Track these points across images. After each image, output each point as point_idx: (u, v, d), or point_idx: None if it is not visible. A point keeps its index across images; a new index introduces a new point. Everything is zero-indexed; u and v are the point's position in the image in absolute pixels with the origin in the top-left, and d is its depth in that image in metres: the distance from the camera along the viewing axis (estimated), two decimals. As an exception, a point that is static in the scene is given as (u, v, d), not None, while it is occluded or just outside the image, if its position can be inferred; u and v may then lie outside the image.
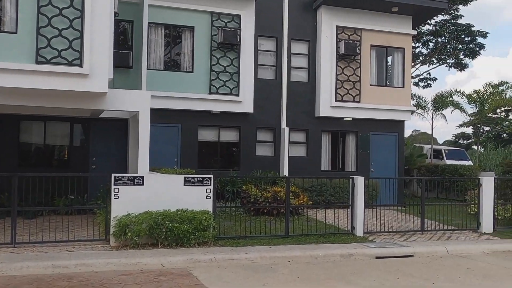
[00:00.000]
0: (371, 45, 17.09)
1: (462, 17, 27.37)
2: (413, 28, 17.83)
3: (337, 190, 15.78)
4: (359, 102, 16.81)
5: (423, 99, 23.30)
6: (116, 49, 13.92)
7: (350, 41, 16.53)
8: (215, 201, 10.64)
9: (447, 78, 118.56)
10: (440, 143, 58.90)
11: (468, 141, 55.24)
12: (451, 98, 21.90)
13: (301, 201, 14.13)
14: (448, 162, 24.81)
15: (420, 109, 23.01)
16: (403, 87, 17.50)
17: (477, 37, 27.97)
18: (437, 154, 26.83)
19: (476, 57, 29.03)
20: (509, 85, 20.19)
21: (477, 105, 20.75)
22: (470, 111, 22.63)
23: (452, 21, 27.78)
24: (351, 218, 11.90)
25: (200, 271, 8.39)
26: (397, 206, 16.48)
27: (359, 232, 11.65)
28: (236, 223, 11.67)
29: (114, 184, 9.80)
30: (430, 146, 25.05)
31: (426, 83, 30.61)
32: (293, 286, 7.70)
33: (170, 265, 8.65)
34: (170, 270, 8.42)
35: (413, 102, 23.52)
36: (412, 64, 29.54)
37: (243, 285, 7.67)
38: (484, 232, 12.70)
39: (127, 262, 8.58)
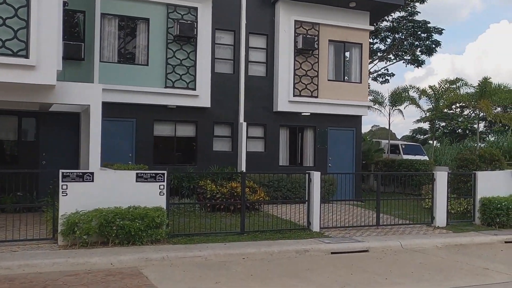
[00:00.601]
0: (329, 40, 17.09)
1: (419, 13, 27.83)
2: (371, 24, 17.94)
3: (294, 185, 15.74)
4: (317, 97, 16.79)
5: (381, 94, 23.55)
6: (67, 40, 13.45)
7: (308, 36, 16.47)
8: (168, 197, 10.37)
9: (406, 75, 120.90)
10: (399, 138, 60.01)
11: (424, 136, 56.44)
12: (407, 94, 22.20)
13: (259, 197, 14.00)
14: (405, 157, 25.16)
15: (377, 105, 23.25)
16: (361, 82, 17.59)
17: (433, 34, 28.49)
18: (394, 149, 27.19)
19: (432, 54, 29.61)
20: (463, 82, 20.63)
21: (432, 101, 21.11)
22: (426, 107, 22.90)
23: (409, 17, 28.18)
24: (307, 214, 11.84)
25: (151, 270, 8.14)
26: (355, 201, 16.59)
27: (315, 227, 11.61)
28: (191, 220, 11.44)
29: (62, 181, 9.41)
30: (387, 141, 25.36)
31: (384, 79, 31.02)
32: (246, 284, 7.55)
33: (120, 265, 8.36)
34: (120, 269, 8.13)
35: (371, 97, 23.73)
36: (370, 60, 29.88)
37: (194, 284, 7.46)
38: (438, 226, 12.88)
39: (74, 262, 8.24)
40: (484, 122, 52.18)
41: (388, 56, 30.92)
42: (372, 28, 18.00)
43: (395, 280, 7.91)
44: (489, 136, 47.99)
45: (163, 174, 10.25)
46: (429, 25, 28.30)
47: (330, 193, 16.31)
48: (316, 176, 11.78)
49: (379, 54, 30.33)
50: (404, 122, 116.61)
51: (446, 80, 21.10)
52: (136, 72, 14.78)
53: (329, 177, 16.30)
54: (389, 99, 22.99)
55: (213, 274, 8.00)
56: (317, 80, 16.78)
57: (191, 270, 8.24)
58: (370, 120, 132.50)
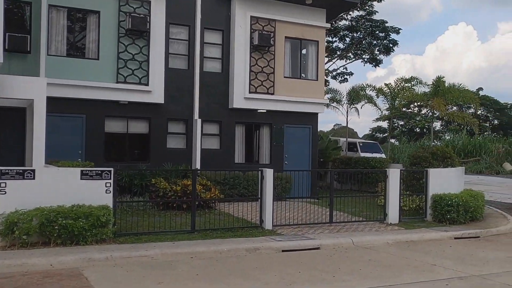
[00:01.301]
0: (286, 37, 16.98)
1: (377, 13, 28.13)
2: (327, 22, 17.94)
3: (250, 183, 15.55)
4: (273, 94, 16.67)
5: (339, 92, 23.66)
6: (11, 32, 12.87)
7: (264, 32, 16.33)
8: (116, 195, 10.04)
9: (368, 74, 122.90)
10: (361, 137, 60.79)
11: (384, 135, 57.37)
12: (364, 92, 22.35)
13: (212, 195, 13.77)
14: (362, 154, 25.41)
15: (335, 103, 23.34)
16: (317, 79, 17.57)
17: (390, 34, 28.84)
18: (352, 147, 27.44)
19: (390, 53, 30.02)
20: (418, 80, 20.91)
21: (388, 99, 21.34)
22: (383, 106, 23.10)
23: (367, 17, 28.44)
24: (260, 212, 11.70)
25: (93, 270, 7.81)
26: (310, 198, 16.53)
27: (268, 225, 11.47)
28: (142, 219, 11.10)
29: (1, 178, 8.96)
30: (345, 139, 25.53)
31: (343, 78, 31.23)
32: (189, 284, 7.33)
33: (60, 265, 8.00)
34: (59, 270, 7.77)
35: (329, 95, 23.82)
36: (330, 58, 30.06)
37: (136, 285, 7.19)
38: (390, 223, 12.95)
39: (11, 263, 7.84)
40: (441, 121, 53.45)
41: (348, 55, 31.16)
42: (328, 25, 18.01)
43: (342, 278, 7.84)
44: (445, 135, 49.22)
45: (110, 171, 9.91)
46: (386, 24, 28.65)
47: (285, 190, 16.22)
48: (269, 173, 11.64)
49: (338, 52, 30.52)
50: (366, 120, 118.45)
51: (402, 78, 21.35)
52: (86, 66, 14.30)
53: (284, 174, 16.21)
54: (346, 98, 23.10)
55: (157, 274, 7.75)
56: (273, 77, 16.65)
57: (135, 270, 7.96)
58: (333, 119, 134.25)
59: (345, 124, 24.83)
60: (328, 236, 11.07)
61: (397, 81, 21.35)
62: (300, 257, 9.37)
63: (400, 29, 28.63)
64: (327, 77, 31.45)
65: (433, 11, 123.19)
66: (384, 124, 58.31)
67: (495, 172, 33.17)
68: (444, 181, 13.96)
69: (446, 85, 20.33)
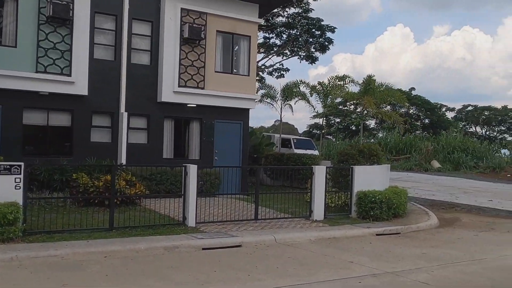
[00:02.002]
0: (217, 31, 16.72)
1: (313, 11, 28.38)
2: (260, 17, 17.83)
3: (178, 178, 15.12)
4: (203, 88, 16.37)
5: (273, 88, 23.69)
6: None
7: (195, 25, 15.99)
8: (26, 191, 9.48)
9: (310, 72, 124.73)
10: (300, 133, 61.53)
11: (322, 131, 58.27)
12: (298, 89, 22.47)
13: (137, 191, 13.37)
14: (296, 151, 25.58)
15: (269, 99, 23.35)
16: (249, 75, 17.43)
17: (326, 32, 29.19)
18: (286, 143, 27.59)
19: (325, 51, 30.34)
20: (350, 78, 21.27)
21: (321, 97, 21.54)
22: (316, 103, 23.28)
23: (303, 14, 28.64)
24: (183, 208, 11.44)
25: (-8, 272, 7.30)
26: (240, 194, 16.38)
27: (191, 222, 11.24)
28: (58, 216, 10.56)
29: None
30: (280, 136, 25.62)
31: (279, 74, 31.33)
32: (96, 285, 6.98)
33: (-43, 267, 7.43)
34: (-45, 273, 7.21)
35: (264, 91, 23.80)
36: (266, 54, 30.08)
37: (37, 287, 6.76)
38: (316, 220, 13.01)
39: None
40: (375, 119, 54.95)
41: (284, 52, 31.29)
42: (261, 21, 17.92)
43: (257, 276, 7.72)
44: (379, 132, 50.59)
45: (20, 166, 9.34)
46: (322, 23, 28.96)
47: (214, 186, 16.02)
48: (193, 169, 11.39)
49: (275, 49, 30.58)
50: (306, 117, 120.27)
51: (335, 76, 21.62)
52: (2, 54, 13.45)
53: (214, 170, 16.01)
54: (281, 94, 23.15)
55: (63, 276, 7.34)
56: (203, 71, 16.35)
57: (40, 271, 7.51)
58: (275, 115, 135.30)
59: (285, 121, 24.90)
60: (251, 233, 10.97)
61: (330, 79, 21.63)
62: (219, 255, 9.19)
63: (335, 28, 29.08)
64: (263, 73, 31.52)
65: (373, 12, 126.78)
66: (322, 121, 59.42)
67: (423, 169, 34.29)
68: (369, 178, 14.19)
69: (376, 84, 20.76)
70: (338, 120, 57.07)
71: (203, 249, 9.65)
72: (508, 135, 58.78)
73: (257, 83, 29.06)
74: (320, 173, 13.35)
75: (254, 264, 8.52)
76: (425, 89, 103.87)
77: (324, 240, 11.00)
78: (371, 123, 53.83)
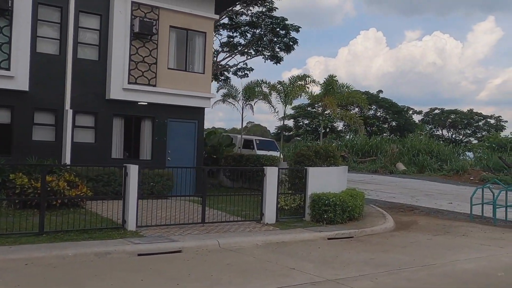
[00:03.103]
0: (171, 26, 16.06)
1: (277, 9, 27.93)
2: (216, 13, 17.24)
3: (127, 179, 14.49)
4: (155, 85, 15.68)
5: (234, 88, 23.12)
6: None
7: (146, 20, 15.30)
8: None
9: (283, 74, 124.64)
10: (272, 134, 61.07)
11: (289, 133, 58.05)
12: (260, 88, 21.93)
13: (80, 192, 12.64)
14: (259, 152, 25.08)
15: (231, 98, 22.74)
16: (204, 73, 16.82)
17: (291, 31, 28.78)
18: (248, 144, 27.06)
19: (290, 51, 29.91)
20: (311, 78, 20.85)
21: (281, 97, 21.08)
22: (277, 103, 22.70)
23: (267, 13, 28.18)
24: (123, 211, 10.76)
25: None
26: (195, 196, 15.73)
27: (131, 226, 10.58)
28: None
29: None
30: (241, 136, 25.06)
31: (243, 74, 30.79)
32: (0, 298, 6.29)
33: None
34: None
35: (225, 90, 23.22)
36: (230, 53, 29.53)
37: None
38: (267, 223, 12.49)
39: None
40: (343, 121, 54.99)
41: (249, 51, 30.78)
42: (217, 17, 17.34)
43: (186, 285, 7.13)
44: (347, 135, 50.51)
45: None
46: (287, 22, 28.56)
47: (167, 188, 15.38)
48: (133, 169, 10.72)
49: (239, 48, 30.04)
50: (276, 119, 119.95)
51: (296, 76, 21.17)
52: None
53: (166, 171, 15.37)
54: (242, 94, 22.59)
55: (-32, 286, 6.62)
56: (155, 67, 15.67)
57: None
58: (247, 116, 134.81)
59: (258, 122, 24.29)
60: (195, 237, 10.37)
61: (291, 78, 21.15)
62: (154, 262, 8.57)
63: (299, 27, 28.71)
64: (228, 73, 30.95)
65: (347, 15, 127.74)
66: (290, 123, 59.16)
67: (389, 171, 34.25)
68: (325, 180, 13.76)
69: (338, 84, 20.40)
70: (306, 121, 56.86)
71: (139, 255, 9.02)
72: (473, 138, 59.53)
73: (218, 82, 28.57)
74: (272, 174, 12.82)
75: (188, 272, 7.93)
76: (397, 93, 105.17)
77: (271, 245, 10.48)
78: (339, 125, 53.79)
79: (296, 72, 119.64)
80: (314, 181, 13.43)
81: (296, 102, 61.25)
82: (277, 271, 8.19)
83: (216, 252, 9.57)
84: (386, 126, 57.66)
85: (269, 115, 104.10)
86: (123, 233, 10.24)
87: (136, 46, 15.38)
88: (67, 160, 14.24)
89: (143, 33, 15.22)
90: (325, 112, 22.89)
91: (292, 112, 57.55)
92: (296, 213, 13.67)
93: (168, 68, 16.07)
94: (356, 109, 55.63)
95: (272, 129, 63.45)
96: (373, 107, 56.75)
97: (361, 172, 34.12)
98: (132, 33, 15.24)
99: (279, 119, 23.95)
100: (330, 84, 20.16)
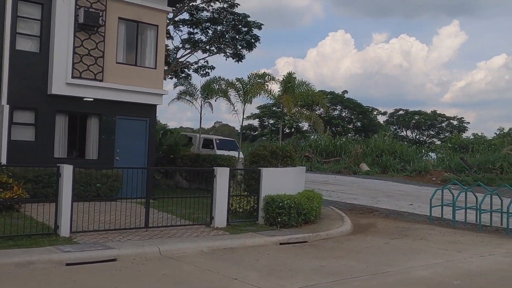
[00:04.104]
0: (119, 18, 15.10)
1: (238, 6, 27.16)
2: (170, 5, 16.37)
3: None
4: (101, 80, 14.71)
5: (193, 85, 22.31)
6: None
7: (91, 10, 14.31)
8: None
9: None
10: (238, 134, 60.28)
11: (255, 133, 57.44)
12: (219, 86, 21.17)
13: (14, 195, 11.63)
14: (218, 152, 24.36)
15: (188, 96, 21.92)
16: (156, 68, 15.92)
17: (253, 28, 28.05)
18: (208, 143, 26.30)
19: (252, 49, 29.14)
20: (271, 76, 20.21)
21: (240, 95, 20.37)
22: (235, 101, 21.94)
23: (229, 9, 27.39)
24: (55, 216, 9.85)
25: None
26: (145, 199, 14.84)
27: (64, 232, 9.70)
28: None
29: None
30: (199, 135, 24.25)
31: (204, 72, 29.88)
32: None
33: None
34: None
35: (183, 88, 22.38)
36: (190, 50, 28.64)
37: None
38: (217, 227, 11.75)
39: None
40: (309, 121, 54.69)
41: (211, 49, 29.91)
42: (170, 9, 16.47)
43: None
44: (312, 135, 50.17)
45: None
46: (249, 19, 27.80)
47: (114, 190, 14.47)
48: (67, 170, 9.83)
49: (200, 45, 29.14)
50: (249, 118, 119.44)
51: (255, 73, 20.50)
52: None
53: (113, 172, 14.45)
54: (200, 91, 21.79)
55: None
56: (102, 61, 14.69)
57: None
58: (215, 116, 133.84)
59: (226, 122, 23.44)
60: (134, 244, 9.54)
61: (250, 76, 20.47)
62: (82, 272, 7.74)
63: (262, 24, 27.93)
64: (188, 70, 30.04)
65: (316, 17, 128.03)
66: (256, 122, 58.59)
67: (352, 172, 33.96)
68: (280, 181, 13.11)
69: (297, 82, 19.82)
70: (271, 121, 56.33)
71: (67, 264, 8.16)
72: (437, 139, 60.09)
73: (178, 79, 27.65)
74: (222, 175, 12.08)
75: (116, 284, 7.13)
76: (364, 94, 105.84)
77: (218, 251, 9.74)
78: (305, 125, 53.40)
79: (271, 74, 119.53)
80: (268, 182, 12.76)
81: (261, 102, 60.82)
82: (216, 282, 7.46)
83: (155, 260, 8.77)
84: (351, 126, 57.64)
85: (233, 115, 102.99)
86: (54, 240, 9.35)
87: (81, 38, 14.39)
88: (3, 160, 13.18)
89: (89, 24, 14.24)
90: (283, 111, 22.19)
91: (257, 111, 57.07)
92: (250, 216, 12.98)
93: (117, 62, 15.12)
94: (321, 110, 55.54)
95: (239, 129, 62.72)
96: (338, 107, 56.65)
97: (325, 172, 33.74)
98: (76, 24, 14.23)
99: (235, 116, 23.24)
100: (289, 81, 19.54)
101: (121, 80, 15.10)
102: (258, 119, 57.18)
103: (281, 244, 10.86)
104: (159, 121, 65.88)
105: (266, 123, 55.82)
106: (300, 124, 53.66)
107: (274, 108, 53.89)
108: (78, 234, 9.91)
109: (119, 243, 9.55)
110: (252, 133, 57.26)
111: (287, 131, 55.90)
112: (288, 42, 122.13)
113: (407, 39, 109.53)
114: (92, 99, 14.81)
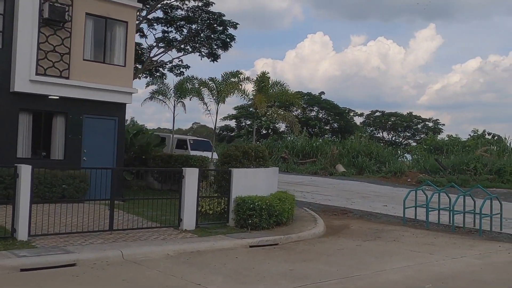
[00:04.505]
0: (87, 13, 14.61)
1: (213, 4, 26.80)
2: (139, 1, 15.94)
3: (35, 181, 12.97)
4: (68, 78, 14.21)
5: (166, 84, 21.88)
6: None
7: (57, 4, 13.80)
8: None
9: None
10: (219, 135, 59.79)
11: (231, 134, 57.03)
12: (192, 85, 20.74)
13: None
14: (192, 152, 23.98)
15: (161, 96, 21.46)
16: (125, 65, 15.47)
17: (228, 27, 27.72)
18: (182, 144, 25.87)
19: (228, 49, 28.81)
20: (245, 76, 19.88)
21: (214, 94, 20.00)
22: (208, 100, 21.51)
23: (204, 8, 27.02)
24: (13, 218, 9.38)
25: None
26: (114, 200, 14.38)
27: (22, 235, 9.24)
28: None
29: None
30: (172, 135, 23.79)
31: (179, 71, 29.42)
32: None
33: None
34: None
35: (155, 87, 21.93)
36: (165, 49, 28.18)
37: None
38: (185, 230, 11.37)
39: None
40: (286, 122, 54.51)
41: (186, 48, 29.48)
42: (140, 5, 16.02)
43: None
44: (289, 136, 49.99)
45: None
46: (224, 18, 27.47)
47: (80, 191, 13.98)
48: (25, 170, 9.38)
49: (175, 43, 28.68)
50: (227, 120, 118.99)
51: (229, 72, 20.14)
52: None
53: (80, 172, 13.96)
54: (174, 90, 21.36)
55: None
56: (68, 58, 14.19)
57: None
58: (193, 117, 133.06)
59: (204, 123, 22.93)
60: (96, 248, 9.12)
61: (223, 75, 20.11)
62: (38, 278, 7.33)
63: (237, 23, 27.62)
64: (163, 69, 29.56)
65: (295, 19, 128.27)
66: (233, 123, 58.19)
67: (329, 173, 33.85)
68: (252, 182, 12.79)
69: (271, 82, 19.55)
70: (248, 122, 55.99)
71: (22, 270, 7.71)
72: (412, 141, 60.51)
73: (153, 79, 27.13)
74: (191, 176, 11.72)
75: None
76: (342, 96, 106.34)
77: (184, 255, 9.37)
78: (281, 126, 53.21)
79: (245, 73, 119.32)
80: (239, 183, 12.44)
81: (238, 102, 60.44)
82: (178, 289, 7.11)
83: (117, 265, 8.37)
84: (328, 127, 57.66)
85: (213, 117, 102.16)
86: (10, 244, 8.88)
87: (46, 33, 13.87)
88: (-39, 160, 12.61)
89: (54, 19, 13.73)
90: (256, 111, 21.93)
91: (234, 112, 56.72)
92: (221, 218, 12.64)
93: (84, 59, 14.63)
94: (299, 111, 55.43)
95: (217, 131, 62.12)
96: (315, 108, 56.61)
97: (301, 173, 33.57)
98: (41, 19, 13.71)
99: (208, 115, 22.84)
100: (263, 81, 19.24)
101: (89, 78, 14.62)
102: (235, 120, 56.79)
103: (251, 247, 10.54)
104: (136, 122, 65.18)
105: (243, 123, 55.47)
106: (277, 125, 53.47)
107: (251, 109, 53.63)
108: (37, 238, 9.46)
109: (80, 247, 9.13)
110: (229, 134, 56.84)
111: (264, 132, 55.66)
112: (267, 43, 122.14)
113: (385, 41, 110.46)
114: (57, 97, 14.30)
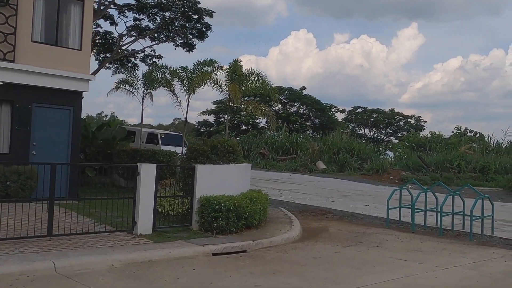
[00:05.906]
0: (36, -10, 13.08)
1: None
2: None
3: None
4: (13, 61, 12.60)
5: (134, 74, 20.28)
6: None
7: (0, -23, 12.24)
8: None
9: (218, 71, 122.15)
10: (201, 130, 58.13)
11: (210, 129, 55.46)
12: (162, 75, 19.22)
13: None
14: (163, 147, 22.50)
15: (128, 85, 19.89)
16: (81, 49, 13.89)
17: (204, 16, 26.19)
18: (152, 138, 24.36)
19: (204, 39, 27.30)
20: (219, 65, 18.45)
21: (185, 84, 18.54)
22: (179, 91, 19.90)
23: (178, -6, 25.44)
24: None
25: None
26: (67, 200, 12.82)
27: None
28: None
29: None
30: (141, 129, 22.24)
31: (151, 61, 27.79)
32: None
33: None
34: None
35: (123, 76, 20.34)
36: (136, 37, 26.59)
37: None
38: (140, 234, 9.93)
39: None
40: (266, 118, 53.09)
41: (160, 37, 27.88)
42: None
43: None
44: (268, 131, 48.64)
45: None
46: (199, 5, 25.93)
47: (27, 189, 12.42)
48: None
49: (147, 32, 27.06)
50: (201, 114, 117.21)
51: (203, 61, 18.65)
52: None
53: (28, 168, 12.39)
54: (142, 80, 19.81)
55: None
56: (14, 39, 12.58)
57: None
58: (176, 113, 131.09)
59: (184, 119, 21.24)
60: (24, 258, 7.62)
61: (196, 64, 18.60)
62: None
63: (213, 12, 26.09)
64: (135, 59, 27.93)
65: (279, 15, 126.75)
66: (212, 118, 56.63)
67: (309, 170, 32.61)
68: (219, 180, 11.39)
69: (246, 72, 18.14)
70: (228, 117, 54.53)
71: None
72: (394, 138, 59.61)
73: (124, 69, 25.46)
74: (148, 173, 10.23)
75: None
76: (325, 94, 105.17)
77: (132, 266, 7.94)
78: (262, 122, 51.83)
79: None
80: (204, 182, 11.02)
81: (218, 97, 58.89)
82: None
83: (44, 280, 6.91)
84: (309, 123, 56.42)
85: (194, 112, 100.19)
86: None
87: (-13, 11, 12.28)
88: None
89: (-3, -6, 12.15)
90: (230, 103, 20.49)
91: (213, 107, 55.22)
92: (184, 220, 11.22)
93: (33, 41, 13.02)
94: (279, 106, 54.10)
95: (196, 126, 60.37)
96: (296, 103, 55.31)
97: (280, 170, 32.25)
98: (-19, -6, 12.12)
99: (178, 108, 21.25)
100: (235, 70, 17.81)
101: (38, 62, 13.02)
102: (214, 115, 55.26)
103: (214, 254, 9.15)
104: (116, 117, 63.11)
105: (222, 118, 53.90)
106: (257, 121, 52.08)
107: (230, 104, 52.19)
108: (-44, 245, 7.94)
109: (5, 256, 7.63)
110: (208, 129, 55.25)
111: (244, 127, 54.24)
112: (251, 40, 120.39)
113: (368, 40, 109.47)
114: (1, 83, 12.67)
